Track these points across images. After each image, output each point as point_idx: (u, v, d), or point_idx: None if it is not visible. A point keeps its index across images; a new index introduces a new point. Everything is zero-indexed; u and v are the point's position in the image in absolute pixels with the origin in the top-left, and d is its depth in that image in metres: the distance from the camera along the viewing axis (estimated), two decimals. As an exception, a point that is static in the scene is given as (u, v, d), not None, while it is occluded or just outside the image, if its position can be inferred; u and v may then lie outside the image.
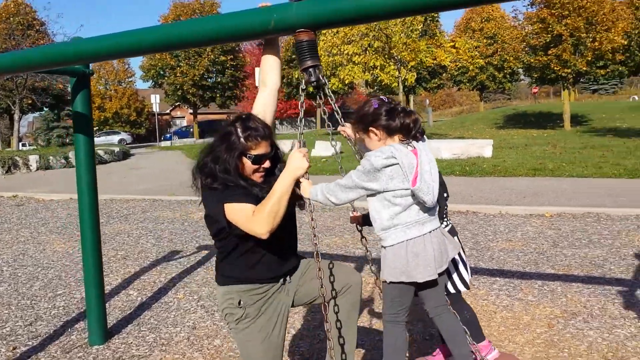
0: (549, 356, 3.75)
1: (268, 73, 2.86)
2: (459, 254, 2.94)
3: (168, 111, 61.19)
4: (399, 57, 23.01)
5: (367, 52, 28.15)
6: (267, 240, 2.34)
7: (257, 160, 2.48)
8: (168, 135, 49.58)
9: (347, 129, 2.79)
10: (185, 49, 3.15)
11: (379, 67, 27.31)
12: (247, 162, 2.48)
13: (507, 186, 10.56)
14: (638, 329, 4.06)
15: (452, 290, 2.95)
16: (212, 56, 42.83)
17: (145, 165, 19.66)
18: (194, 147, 31.13)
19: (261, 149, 2.48)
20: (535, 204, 8.60)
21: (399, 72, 23.18)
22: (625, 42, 28.59)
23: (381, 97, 2.42)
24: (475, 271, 5.57)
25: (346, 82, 29.58)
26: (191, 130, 49.36)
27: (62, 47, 3.47)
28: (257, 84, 3.32)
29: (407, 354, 2.43)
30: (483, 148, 15.34)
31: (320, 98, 2.78)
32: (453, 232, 2.83)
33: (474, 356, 2.42)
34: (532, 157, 14.79)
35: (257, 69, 26.21)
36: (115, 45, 2.86)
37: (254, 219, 2.31)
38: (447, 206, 2.68)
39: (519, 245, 6.43)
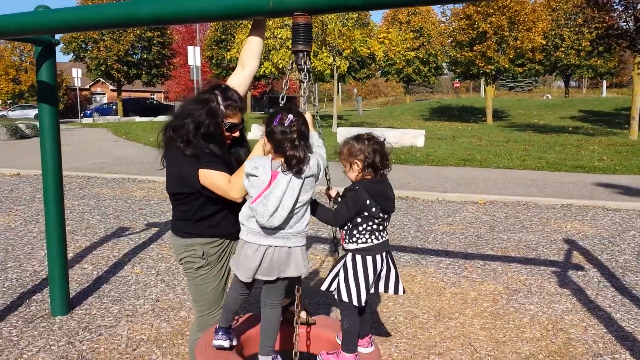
0: (496, 327, 4.12)
1: (250, 56, 2.97)
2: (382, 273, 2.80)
3: (88, 87, 58.67)
4: (334, 44, 23.26)
5: (301, 37, 28.21)
6: (230, 201, 2.59)
7: (232, 128, 2.69)
8: (88, 112, 47.39)
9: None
10: (178, 24, 3.12)
11: (312, 54, 27.51)
12: (222, 130, 2.68)
13: (441, 174, 11.09)
14: (573, 304, 4.52)
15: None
16: (138, 31, 41.34)
17: (71, 142, 18.90)
18: (120, 125, 30.20)
19: (236, 118, 2.70)
20: (469, 192, 9.12)
21: (334, 60, 23.44)
22: (544, 42, 30.30)
23: (290, 115, 2.40)
24: (422, 251, 5.93)
25: (280, 66, 29.57)
26: (114, 107, 47.55)
27: (29, 17, 3.38)
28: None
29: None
30: (416, 138, 15.95)
31: (302, 81, 2.97)
32: (387, 245, 2.76)
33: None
34: (461, 149, 15.53)
35: (189, 48, 25.74)
36: (103, 16, 2.88)
37: (231, 185, 2.53)
38: (387, 222, 2.79)
39: (459, 229, 6.86)
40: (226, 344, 2.59)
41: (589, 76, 57.92)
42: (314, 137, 2.80)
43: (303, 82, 2.94)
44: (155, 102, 51.24)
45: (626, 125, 25.37)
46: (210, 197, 2.65)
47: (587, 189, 9.37)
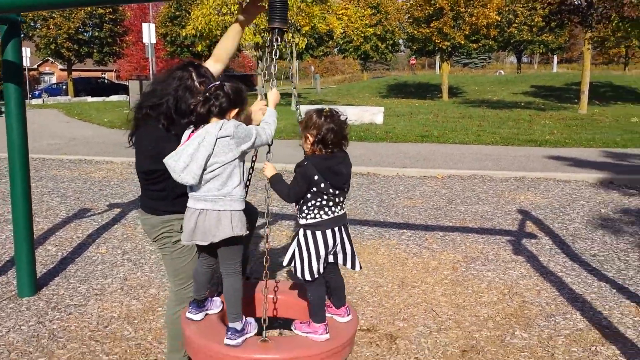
0: (456, 293, 4.34)
1: (227, 54, 3.05)
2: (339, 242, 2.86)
3: (36, 66, 56.57)
4: (293, 21, 23.13)
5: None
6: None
7: None
8: (37, 92, 45.72)
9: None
10: (149, 1, 3.06)
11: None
12: None
13: (401, 150, 11.32)
14: (527, 270, 4.78)
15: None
16: (89, 8, 40.01)
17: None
18: (72, 105, 29.40)
19: None
20: (427, 167, 9.37)
21: (293, 37, 23.32)
22: (499, 19, 30.85)
23: (218, 82, 2.59)
24: (385, 225, 6.11)
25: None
26: (64, 87, 46.04)
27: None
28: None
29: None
30: (375, 115, 16.15)
31: (271, 60, 3.04)
32: (339, 220, 2.82)
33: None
34: (419, 125, 15.82)
35: (144, 25, 25.14)
36: None
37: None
38: (341, 198, 2.86)
39: (419, 203, 7.08)
40: (197, 317, 2.70)
41: (540, 52, 59.40)
42: (267, 114, 2.87)
43: (272, 60, 3.02)
44: (106, 81, 49.92)
45: (576, 100, 26.23)
46: None
47: (539, 162, 9.75)
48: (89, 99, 36.27)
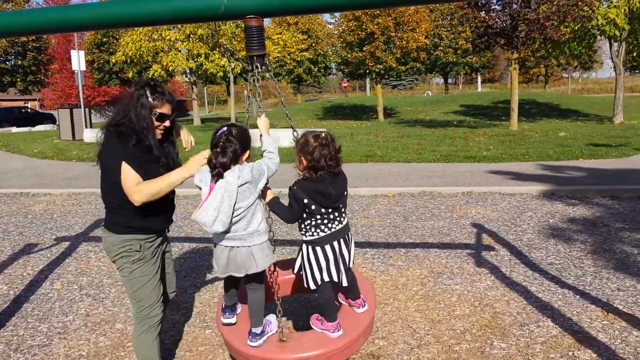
0: (429, 308, 4.39)
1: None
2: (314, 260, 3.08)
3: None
4: (228, 46, 23.09)
5: (191, 39, 27.70)
6: (162, 200, 2.87)
7: (161, 118, 2.90)
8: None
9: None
10: (126, 27, 2.99)
11: (203, 56, 27.08)
12: (152, 119, 2.89)
13: (347, 170, 11.24)
14: (492, 281, 4.90)
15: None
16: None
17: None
18: (-4, 136, 27.92)
19: (165, 109, 2.91)
20: (377, 186, 9.49)
21: (229, 62, 23.25)
22: (428, 42, 31.99)
23: (223, 128, 2.77)
24: (347, 245, 6.11)
25: (170, 69, 28.81)
26: (-14, 118, 43.76)
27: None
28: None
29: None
30: (317, 136, 16.24)
31: (253, 84, 3.07)
32: (338, 234, 3.01)
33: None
34: (361, 145, 16.04)
35: (72, 52, 24.34)
36: (57, 20, 2.75)
37: (138, 188, 2.75)
38: (335, 215, 2.97)
39: (376, 221, 7.15)
40: (233, 320, 3.08)
41: (464, 72, 62.04)
42: (266, 143, 2.99)
43: (256, 85, 3.06)
44: (30, 110, 47.84)
45: (504, 117, 27.47)
46: None
47: (481, 177, 10.08)
48: (14, 129, 34.62)
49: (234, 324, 3.08)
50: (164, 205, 3.00)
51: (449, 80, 70.84)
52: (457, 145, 15.66)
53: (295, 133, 3.15)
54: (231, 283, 3.06)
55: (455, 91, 64.88)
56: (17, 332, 4.08)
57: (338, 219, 2.93)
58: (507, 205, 7.82)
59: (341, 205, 2.94)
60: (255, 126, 3.10)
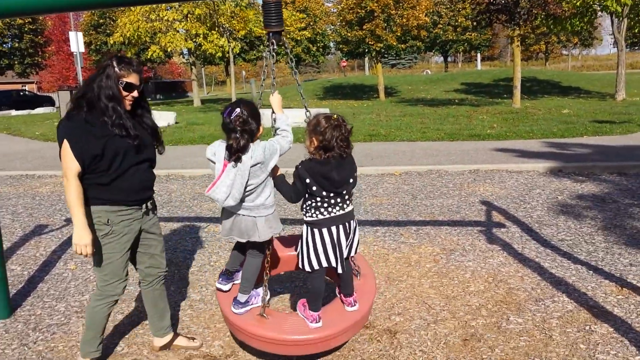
0: (443, 284, 4.41)
1: None
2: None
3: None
4: (228, 26, 22.88)
5: (189, 19, 27.44)
6: (130, 173, 2.94)
7: (128, 87, 2.90)
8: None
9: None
10: (124, 6, 2.95)
11: (201, 36, 26.84)
12: (120, 89, 2.89)
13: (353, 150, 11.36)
14: (505, 258, 4.92)
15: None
16: (6, 19, 38.08)
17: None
18: (-5, 119, 27.82)
19: (132, 78, 2.91)
20: (383, 165, 9.48)
21: (229, 42, 23.05)
22: (428, 20, 31.71)
23: (237, 109, 2.80)
24: (358, 223, 6.11)
25: (168, 49, 28.58)
26: (-17, 101, 43.57)
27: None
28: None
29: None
30: (320, 116, 16.18)
31: (268, 60, 3.06)
32: (340, 219, 3.02)
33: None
34: (364, 125, 15.99)
35: (71, 33, 24.13)
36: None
37: (67, 182, 2.81)
38: (338, 199, 2.97)
39: (385, 200, 7.15)
40: (226, 287, 3.20)
41: (464, 49, 61.62)
42: (279, 121, 3.00)
43: (269, 63, 3.06)
44: (28, 93, 47.58)
45: (505, 95, 27.35)
46: (107, 167, 2.87)
47: (487, 155, 10.07)
48: (13, 112, 34.46)
49: (226, 291, 3.20)
50: (135, 178, 2.99)
51: (449, 59, 70.42)
52: (461, 123, 15.62)
53: (308, 113, 3.16)
54: (237, 248, 3.18)
55: (455, 69, 64.57)
56: (35, 311, 4.10)
57: (340, 204, 2.95)
58: (515, 183, 7.83)
59: (344, 192, 2.97)
60: (268, 105, 3.13)
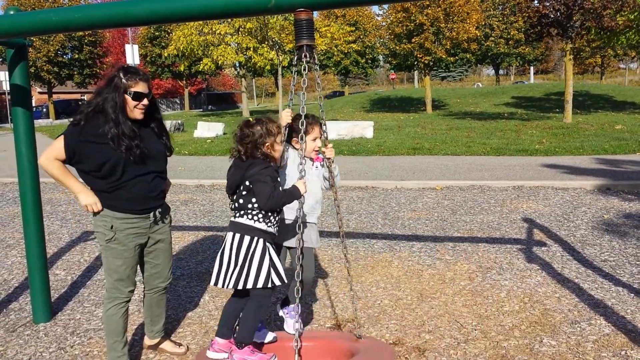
0: (476, 303, 4.33)
1: None
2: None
3: (14, 90, 55.77)
4: (277, 39, 23.26)
5: (240, 32, 28.00)
6: (132, 184, 2.97)
7: (137, 96, 2.94)
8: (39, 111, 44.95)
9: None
10: (177, 22, 3.16)
11: (251, 49, 27.34)
12: (129, 99, 2.93)
13: (395, 163, 11.36)
14: (543, 277, 4.79)
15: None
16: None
17: (6, 147, 18.07)
18: (54, 128, 29.07)
19: (140, 87, 2.95)
20: (424, 179, 9.41)
21: (278, 55, 23.42)
22: (479, 33, 31.36)
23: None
24: (394, 237, 6.11)
25: (219, 62, 29.23)
26: (44, 110, 45.53)
27: (4, 20, 3.33)
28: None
29: None
30: (365, 129, 16.23)
31: (301, 75, 3.10)
32: (237, 227, 3.05)
33: None
34: (408, 138, 15.91)
35: (127, 46, 25.01)
36: (96, 17, 2.86)
37: (46, 159, 2.93)
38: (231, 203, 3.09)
39: (423, 214, 7.09)
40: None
41: (516, 64, 60.48)
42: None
43: (303, 76, 3.10)
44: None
45: (557, 110, 26.67)
46: (110, 172, 2.93)
47: (533, 171, 9.85)
48: (71, 121, 35.82)
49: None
50: (138, 189, 3.01)
51: (501, 72, 69.28)
52: (508, 138, 15.33)
53: (324, 127, 3.24)
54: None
55: (507, 82, 63.40)
56: (74, 316, 4.26)
57: (233, 210, 2.99)
58: (560, 200, 7.62)
59: (235, 196, 2.97)
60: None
